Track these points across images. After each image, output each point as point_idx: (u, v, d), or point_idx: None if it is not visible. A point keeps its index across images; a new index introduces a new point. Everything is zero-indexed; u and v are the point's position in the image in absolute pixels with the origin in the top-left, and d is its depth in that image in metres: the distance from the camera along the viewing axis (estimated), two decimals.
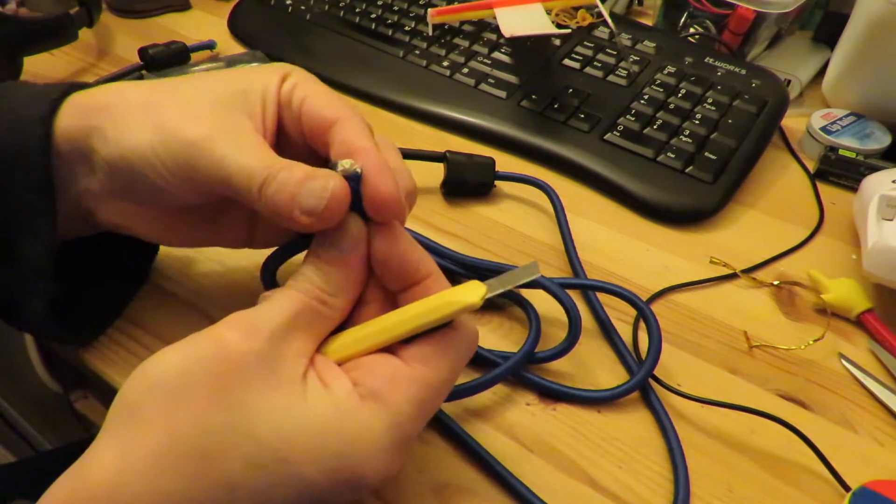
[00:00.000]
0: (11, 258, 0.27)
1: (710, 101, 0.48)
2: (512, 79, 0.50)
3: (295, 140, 0.27)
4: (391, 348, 0.24)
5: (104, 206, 0.28)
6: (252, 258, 0.37)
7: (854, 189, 0.42)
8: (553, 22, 0.54)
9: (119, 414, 0.21)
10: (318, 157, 0.27)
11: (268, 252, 0.30)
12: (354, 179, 0.24)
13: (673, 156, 0.44)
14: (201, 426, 0.20)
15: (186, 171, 0.25)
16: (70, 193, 0.27)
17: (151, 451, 0.20)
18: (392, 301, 0.26)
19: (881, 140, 0.48)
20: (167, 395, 0.20)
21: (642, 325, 0.35)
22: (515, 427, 0.31)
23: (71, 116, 0.26)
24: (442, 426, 0.31)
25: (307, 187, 0.23)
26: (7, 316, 0.30)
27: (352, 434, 0.22)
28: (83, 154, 0.26)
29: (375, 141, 0.25)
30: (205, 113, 0.25)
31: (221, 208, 0.30)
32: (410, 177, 0.28)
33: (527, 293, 0.36)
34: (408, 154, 0.42)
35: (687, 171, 0.44)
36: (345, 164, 0.24)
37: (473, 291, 0.23)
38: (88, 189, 0.27)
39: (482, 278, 0.24)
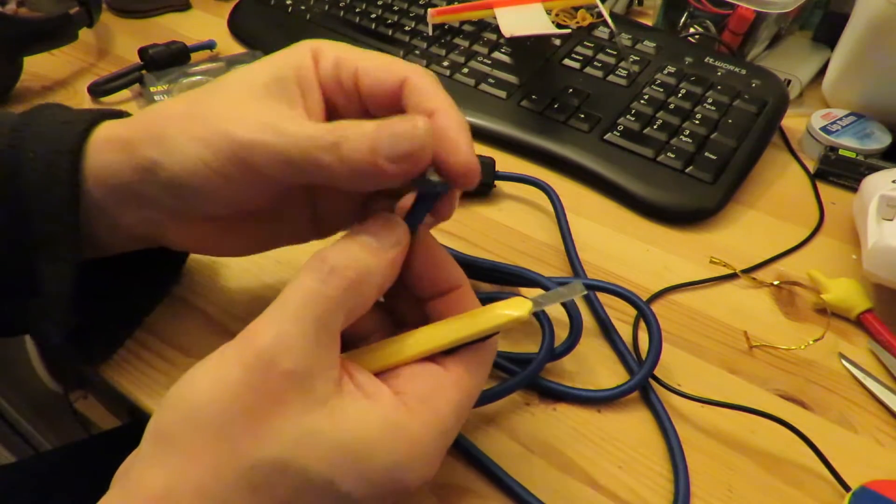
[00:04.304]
0: (32, 288, 0.27)
1: (710, 101, 0.48)
2: (512, 79, 0.50)
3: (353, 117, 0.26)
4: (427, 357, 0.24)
5: (171, 231, 0.28)
6: (250, 258, 0.37)
7: (854, 189, 0.42)
8: (553, 22, 0.54)
9: (158, 441, 0.20)
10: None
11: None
12: (435, 196, 0.24)
13: (673, 156, 0.44)
14: (246, 463, 0.20)
15: (246, 173, 0.24)
16: (122, 225, 0.27)
17: (197, 487, 0.20)
18: (420, 310, 0.26)
19: (881, 140, 0.48)
20: (205, 428, 0.20)
21: (642, 324, 0.35)
22: (515, 427, 0.31)
23: (110, 152, 0.26)
24: None
25: (390, 131, 0.22)
26: (21, 332, 0.30)
27: (401, 447, 0.21)
28: (133, 192, 0.26)
29: (450, 99, 0.24)
30: (247, 111, 0.24)
31: (282, 203, 0.28)
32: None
33: (528, 293, 0.36)
34: None
35: (687, 171, 0.44)
36: (434, 177, 0.23)
37: (521, 306, 0.23)
38: (149, 218, 0.27)
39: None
